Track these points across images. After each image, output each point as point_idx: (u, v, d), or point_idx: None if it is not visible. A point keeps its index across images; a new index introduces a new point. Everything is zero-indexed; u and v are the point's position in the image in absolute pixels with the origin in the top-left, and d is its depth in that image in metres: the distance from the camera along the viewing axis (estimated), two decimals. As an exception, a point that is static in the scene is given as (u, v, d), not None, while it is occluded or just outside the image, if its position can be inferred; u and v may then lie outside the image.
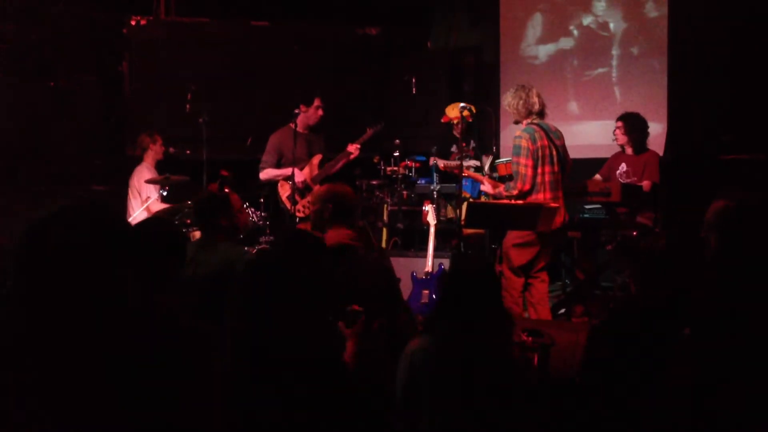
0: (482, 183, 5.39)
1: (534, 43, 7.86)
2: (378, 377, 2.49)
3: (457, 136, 6.55)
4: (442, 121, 6.70)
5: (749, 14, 6.32)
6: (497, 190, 5.13)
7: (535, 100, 4.87)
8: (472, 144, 6.73)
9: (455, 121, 6.37)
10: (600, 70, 7.57)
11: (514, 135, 4.91)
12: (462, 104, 5.89)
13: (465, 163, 6.17)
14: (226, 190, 4.13)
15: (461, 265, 2.68)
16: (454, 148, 6.60)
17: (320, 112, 6.11)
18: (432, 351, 2.44)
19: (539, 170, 4.79)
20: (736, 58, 6.41)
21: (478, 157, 6.70)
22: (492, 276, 2.66)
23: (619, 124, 6.10)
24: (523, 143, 4.76)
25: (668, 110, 7.07)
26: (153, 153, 6.41)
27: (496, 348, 2.45)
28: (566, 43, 7.72)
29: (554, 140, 4.88)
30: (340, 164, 6.18)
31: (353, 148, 6.09)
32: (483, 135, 7.06)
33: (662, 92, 7.13)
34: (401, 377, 2.46)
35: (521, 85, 5.03)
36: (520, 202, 4.83)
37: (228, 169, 6.39)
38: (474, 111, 6.20)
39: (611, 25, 7.51)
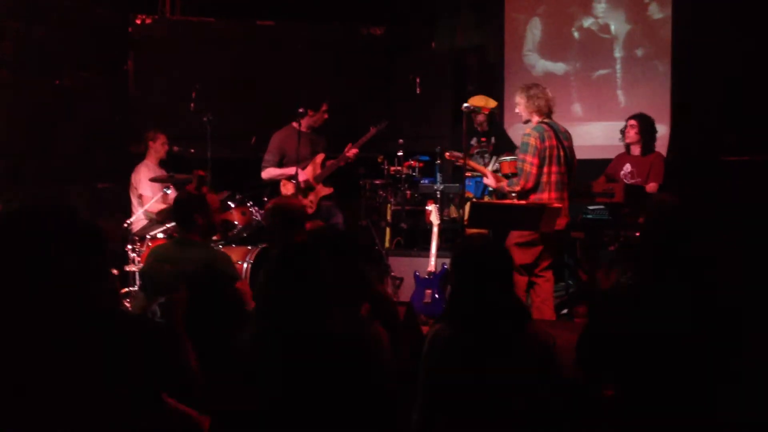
0: (485, 176, 5.39)
1: (537, 44, 7.87)
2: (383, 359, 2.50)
3: (478, 129, 6.57)
4: (461, 109, 6.70)
5: (754, 16, 6.32)
6: (500, 185, 5.15)
7: (550, 96, 4.90)
8: (493, 140, 6.74)
9: (477, 110, 6.39)
10: (602, 71, 7.59)
11: (523, 132, 4.92)
12: (466, 104, 5.88)
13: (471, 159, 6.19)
14: (204, 190, 4.25)
15: (472, 242, 2.68)
16: (473, 141, 6.61)
17: (326, 116, 6.17)
18: (452, 336, 2.45)
19: (546, 170, 4.80)
20: (740, 60, 6.41)
21: (496, 155, 6.69)
22: (505, 252, 2.65)
23: (634, 122, 6.09)
24: (532, 141, 4.78)
25: (671, 112, 7.08)
26: (155, 151, 6.43)
27: (513, 334, 2.45)
28: (568, 44, 7.74)
29: (563, 141, 4.89)
30: (340, 164, 6.21)
31: (351, 153, 6.14)
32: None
33: (666, 94, 7.14)
34: (423, 362, 2.47)
35: (533, 83, 5.03)
36: (523, 202, 4.84)
37: (232, 168, 6.41)
38: (486, 111, 6.25)
39: (612, 27, 7.53)
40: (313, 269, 2.27)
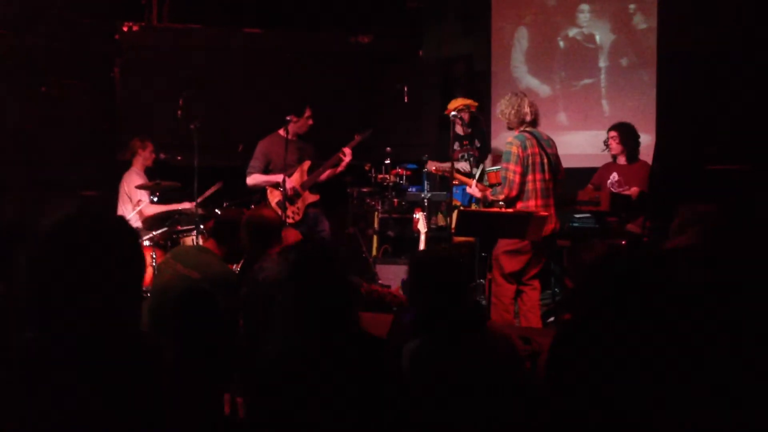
0: (469, 186, 5.42)
1: (523, 53, 7.92)
2: None
3: (459, 133, 6.59)
4: (445, 113, 6.74)
5: (738, 27, 6.39)
6: (484, 194, 5.19)
7: (527, 110, 4.92)
8: (477, 144, 6.76)
9: (456, 112, 6.42)
10: (586, 81, 7.64)
11: (506, 141, 4.97)
12: (453, 112, 5.91)
13: (456, 165, 6.21)
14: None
15: (423, 255, 2.71)
16: (456, 146, 6.63)
17: (310, 121, 6.17)
18: (424, 351, 2.48)
19: (530, 177, 4.84)
20: (724, 70, 6.48)
21: (482, 159, 6.72)
22: (456, 263, 2.65)
23: (614, 134, 6.14)
24: (514, 150, 4.82)
25: (656, 121, 7.13)
26: (142, 159, 6.42)
27: (479, 342, 2.48)
28: (554, 54, 7.79)
29: (546, 148, 4.93)
30: (328, 172, 6.20)
31: (347, 152, 6.11)
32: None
33: (651, 103, 7.19)
34: (406, 380, 2.50)
35: (514, 93, 5.09)
36: (510, 210, 4.87)
37: (219, 176, 6.39)
38: (472, 109, 6.33)
39: (597, 37, 7.58)
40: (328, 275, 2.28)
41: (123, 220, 1.73)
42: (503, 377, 2.42)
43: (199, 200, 5.87)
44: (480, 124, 6.90)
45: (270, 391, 2.19)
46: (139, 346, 1.64)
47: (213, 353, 2.98)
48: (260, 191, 6.25)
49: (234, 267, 5.20)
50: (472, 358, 2.43)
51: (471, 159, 6.62)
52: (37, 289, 1.57)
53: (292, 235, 4.19)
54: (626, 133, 6.11)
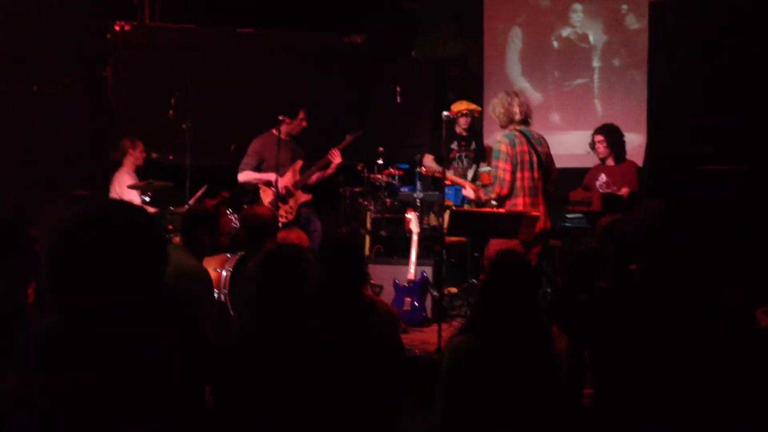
0: (463, 188, 5.44)
1: (516, 53, 7.93)
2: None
3: (459, 133, 6.61)
4: (442, 117, 6.75)
5: (728, 27, 6.42)
6: (478, 194, 5.21)
7: (516, 110, 4.93)
8: (473, 146, 6.77)
9: (460, 114, 6.45)
10: (579, 80, 7.66)
11: (495, 140, 4.99)
12: (445, 112, 5.92)
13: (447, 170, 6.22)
14: (222, 211, 4.29)
15: (503, 260, 2.72)
16: (454, 145, 6.64)
17: (304, 123, 6.18)
18: (475, 351, 2.49)
19: (518, 175, 4.85)
20: (715, 70, 6.50)
21: (477, 160, 6.73)
22: (532, 271, 2.68)
23: (601, 138, 6.16)
24: (503, 148, 4.83)
25: (648, 121, 7.16)
26: (132, 158, 6.41)
27: (539, 348, 2.50)
28: (547, 54, 7.80)
29: (536, 146, 4.93)
30: (317, 174, 6.20)
31: (336, 153, 6.12)
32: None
33: (642, 103, 7.22)
34: (445, 374, 2.51)
35: (507, 92, 5.10)
36: (501, 210, 4.87)
37: (213, 176, 6.38)
38: (475, 114, 6.35)
39: (591, 37, 7.60)
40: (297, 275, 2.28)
41: (143, 210, 1.73)
42: (541, 389, 2.44)
43: (191, 202, 5.87)
44: (477, 129, 6.93)
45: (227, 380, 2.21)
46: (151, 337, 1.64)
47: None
48: (253, 191, 6.25)
49: (228, 266, 5.22)
50: (519, 363, 2.45)
51: (467, 160, 6.63)
52: (57, 280, 1.58)
53: (294, 236, 4.15)
54: (613, 136, 6.15)
